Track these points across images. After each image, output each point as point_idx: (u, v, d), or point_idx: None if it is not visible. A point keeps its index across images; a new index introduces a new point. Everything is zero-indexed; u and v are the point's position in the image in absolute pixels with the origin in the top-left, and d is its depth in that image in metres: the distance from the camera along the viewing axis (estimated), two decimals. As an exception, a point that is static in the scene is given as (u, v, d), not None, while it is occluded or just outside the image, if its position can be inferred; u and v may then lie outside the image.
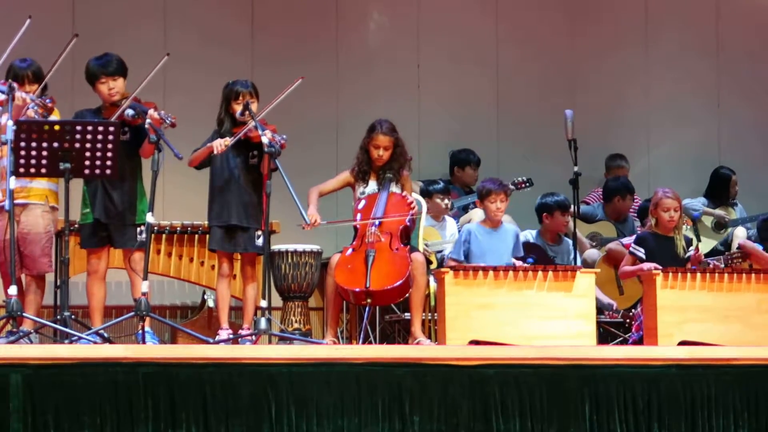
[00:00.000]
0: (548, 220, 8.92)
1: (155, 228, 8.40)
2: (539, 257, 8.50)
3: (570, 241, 8.73)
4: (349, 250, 7.65)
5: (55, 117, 7.25)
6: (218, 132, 7.55)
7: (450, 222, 9.25)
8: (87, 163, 6.83)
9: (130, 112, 7.18)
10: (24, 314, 6.92)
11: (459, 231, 8.81)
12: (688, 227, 9.78)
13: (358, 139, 8.01)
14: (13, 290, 6.78)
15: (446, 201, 9.26)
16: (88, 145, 6.79)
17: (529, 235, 9.02)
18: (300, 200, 7.24)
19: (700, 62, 11.03)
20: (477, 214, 8.95)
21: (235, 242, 7.50)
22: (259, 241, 7.34)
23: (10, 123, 6.79)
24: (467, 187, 10.02)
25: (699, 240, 9.99)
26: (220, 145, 7.38)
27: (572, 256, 8.54)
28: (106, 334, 7.03)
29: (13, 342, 6.64)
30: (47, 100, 7.15)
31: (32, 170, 6.83)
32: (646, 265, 7.74)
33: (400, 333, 8.90)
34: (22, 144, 6.75)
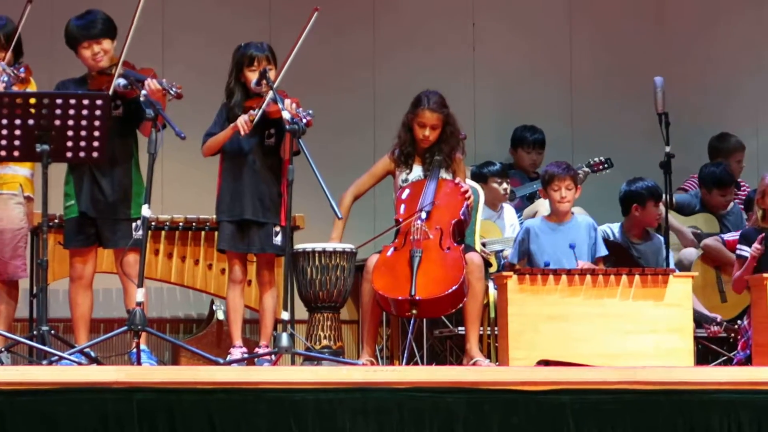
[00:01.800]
0: (639, 211, 8.84)
1: (153, 224, 8.42)
2: (619, 258, 8.42)
3: (661, 239, 8.67)
4: (390, 250, 7.65)
5: (31, 89, 7.20)
6: (227, 105, 7.54)
7: (508, 210, 9.31)
8: (70, 144, 6.75)
9: (122, 81, 7.16)
10: (-7, 329, 7.02)
11: (520, 224, 8.93)
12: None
13: (400, 115, 8.01)
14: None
15: (504, 185, 9.31)
16: (70, 123, 6.72)
17: (608, 230, 8.96)
18: (330, 189, 7.14)
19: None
20: (543, 205, 8.95)
21: (250, 241, 7.51)
22: (279, 239, 7.42)
23: (-24, 97, 6.76)
24: (534, 172, 10.02)
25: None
26: (244, 123, 7.32)
27: (663, 256, 8.46)
28: (93, 353, 7.04)
29: (-21, 363, 6.78)
30: (20, 70, 7.13)
31: (2, 153, 6.75)
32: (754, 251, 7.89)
33: (452, 351, 8.95)
34: (-9, 121, 6.72)
